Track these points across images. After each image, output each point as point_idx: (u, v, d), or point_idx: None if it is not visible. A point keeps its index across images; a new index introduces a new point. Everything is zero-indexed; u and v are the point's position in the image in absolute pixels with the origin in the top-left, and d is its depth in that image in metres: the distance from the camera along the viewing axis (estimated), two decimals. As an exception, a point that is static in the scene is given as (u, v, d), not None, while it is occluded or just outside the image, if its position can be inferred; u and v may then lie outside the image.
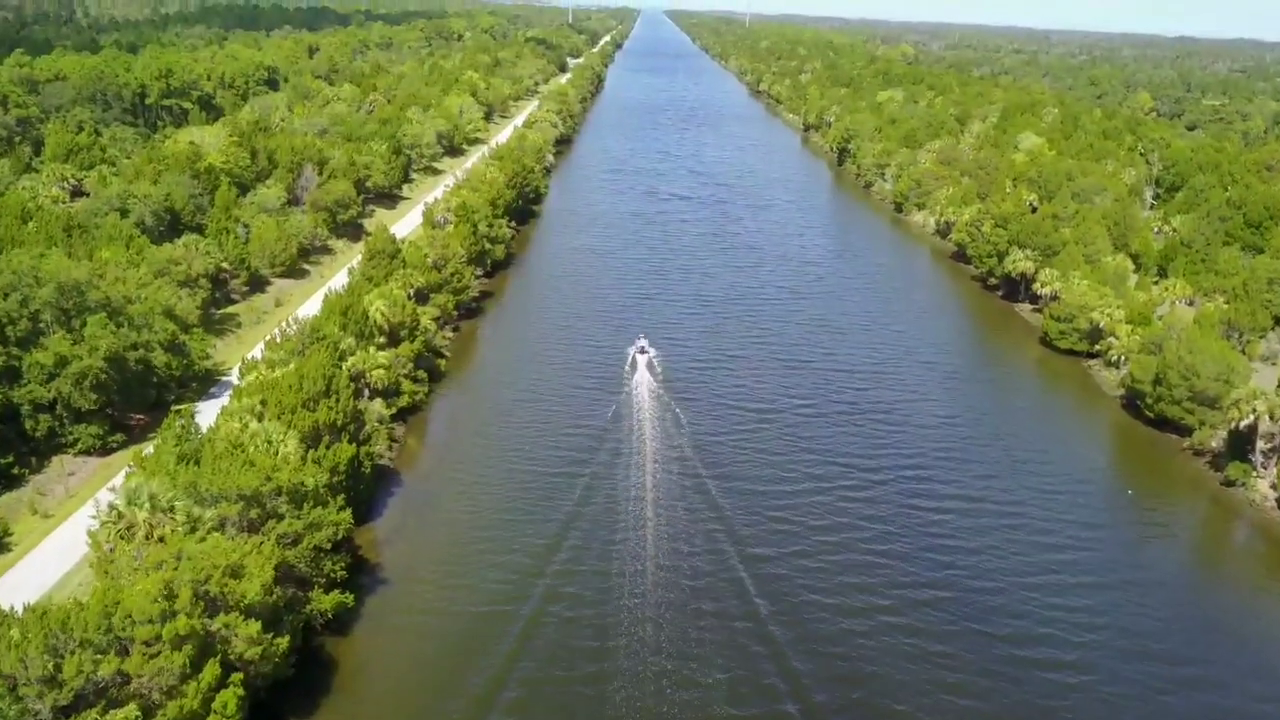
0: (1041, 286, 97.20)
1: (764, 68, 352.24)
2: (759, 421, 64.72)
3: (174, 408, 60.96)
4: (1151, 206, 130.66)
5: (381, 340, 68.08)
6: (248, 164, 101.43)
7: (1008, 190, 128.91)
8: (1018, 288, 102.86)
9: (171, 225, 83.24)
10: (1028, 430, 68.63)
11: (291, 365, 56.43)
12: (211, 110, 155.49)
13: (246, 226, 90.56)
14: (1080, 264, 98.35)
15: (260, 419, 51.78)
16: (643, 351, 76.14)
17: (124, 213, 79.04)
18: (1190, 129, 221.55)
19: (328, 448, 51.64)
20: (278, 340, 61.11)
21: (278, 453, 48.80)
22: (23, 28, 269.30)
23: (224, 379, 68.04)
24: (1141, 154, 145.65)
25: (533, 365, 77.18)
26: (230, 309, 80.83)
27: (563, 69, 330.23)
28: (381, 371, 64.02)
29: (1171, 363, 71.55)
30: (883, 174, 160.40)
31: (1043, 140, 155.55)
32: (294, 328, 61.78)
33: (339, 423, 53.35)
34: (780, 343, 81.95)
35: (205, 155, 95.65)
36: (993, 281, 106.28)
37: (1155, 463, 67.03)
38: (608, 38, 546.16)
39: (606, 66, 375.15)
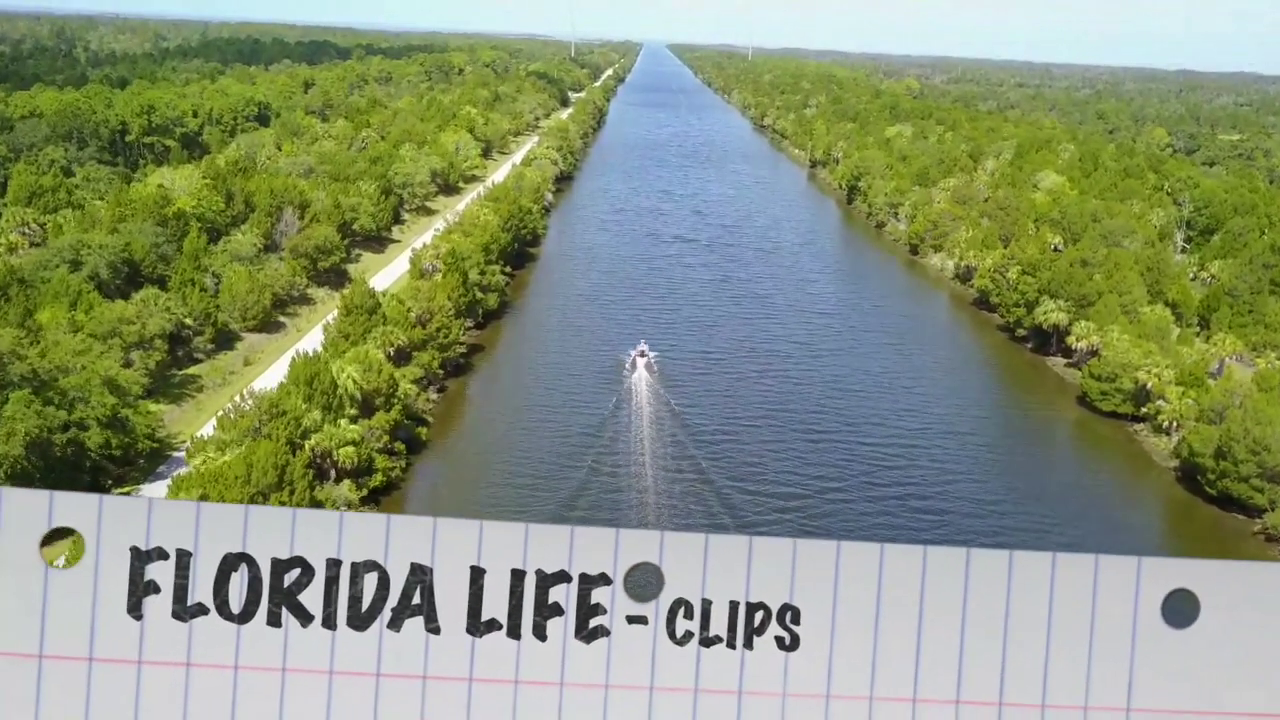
0: (1077, 340, 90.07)
1: (767, 102, 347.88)
2: (780, 511, 57.12)
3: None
4: (1183, 250, 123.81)
5: (353, 412, 60.80)
6: (222, 208, 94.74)
7: (1030, 232, 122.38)
8: (1049, 339, 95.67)
9: (131, 278, 76.31)
10: (1081, 515, 60.98)
11: (244, 447, 49.12)
12: (197, 148, 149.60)
13: (217, 277, 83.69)
14: (1118, 316, 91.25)
15: (199, 519, 44.36)
16: (642, 355, 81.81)
17: (76, 265, 72.16)
18: (1208, 165, 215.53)
19: (278, 552, 44.23)
20: (231, 417, 53.82)
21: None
22: (14, 62, 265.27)
23: (177, 454, 60.73)
24: (1168, 193, 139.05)
25: (526, 432, 69.77)
26: (192, 370, 73.60)
27: (564, 103, 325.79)
28: (351, 449, 56.73)
29: (1236, 435, 64.13)
30: (895, 213, 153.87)
31: (1063, 179, 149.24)
32: (249, 402, 54.52)
33: (293, 520, 45.90)
34: (798, 409, 74.48)
35: (175, 199, 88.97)
36: (1021, 332, 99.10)
37: (1223, 550, 59.38)
38: (610, 71, 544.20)
39: (608, 101, 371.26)
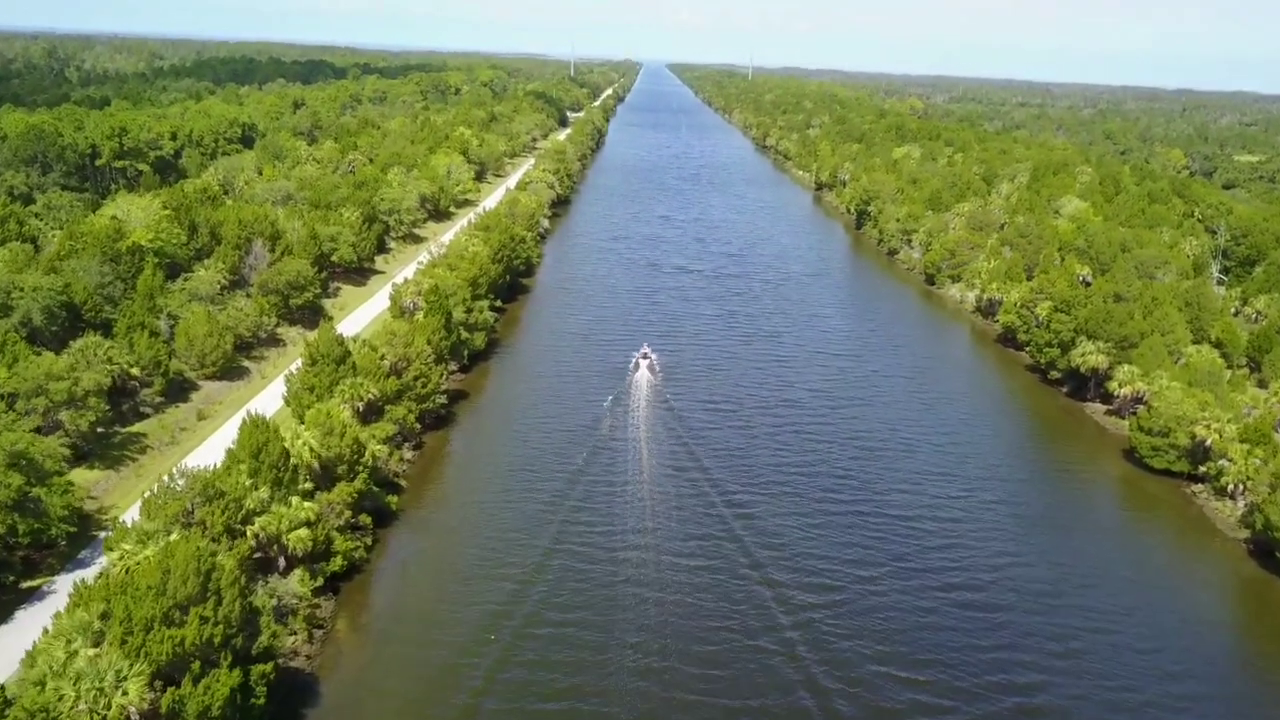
0: (1119, 386, 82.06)
1: (769, 122, 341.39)
2: (807, 608, 48.74)
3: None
4: (1220, 283, 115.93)
5: (308, 485, 52.69)
6: (183, 241, 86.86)
7: (1056, 262, 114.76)
8: (1086, 383, 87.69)
9: (70, 323, 68.29)
10: (1148, 607, 52.72)
11: (163, 544, 40.92)
12: (173, 172, 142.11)
13: (174, 318, 75.76)
14: (1165, 360, 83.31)
15: (99, 643, 36.26)
16: (645, 357, 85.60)
17: (7, 310, 64.17)
18: (1228, 188, 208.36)
19: (196, 682, 36.06)
20: (158, 500, 45.66)
21: (109, 708, 33.20)
22: (0, 81, 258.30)
23: (108, 531, 52.59)
24: (1200, 220, 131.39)
25: (510, 503, 61.53)
26: (136, 426, 65.47)
27: (563, 123, 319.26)
28: (304, 532, 48.56)
29: (1323, 507, 56.11)
30: (908, 240, 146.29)
31: (1086, 205, 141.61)
32: (181, 480, 46.37)
33: (219, 639, 37.74)
34: (819, 473, 66.10)
35: (129, 232, 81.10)
36: (1054, 375, 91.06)
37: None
38: (609, 91, 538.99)
39: (608, 121, 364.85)
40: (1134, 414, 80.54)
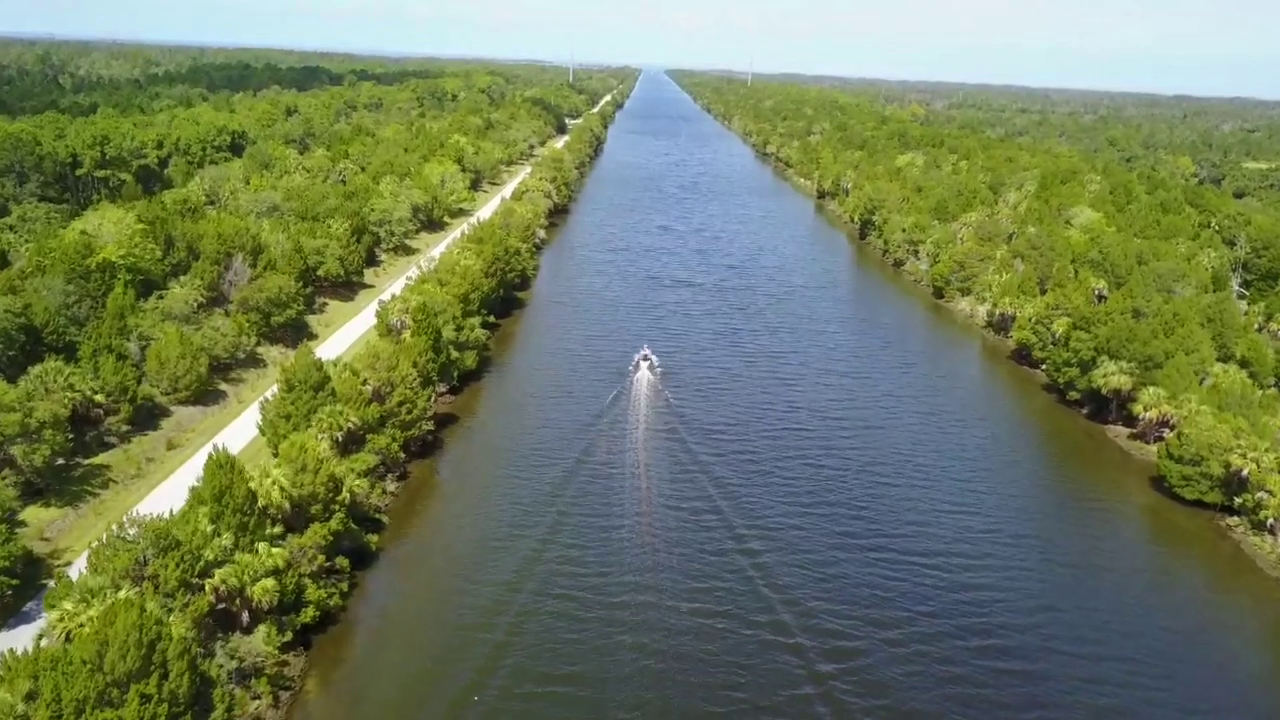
0: (1144, 409, 77.82)
1: (769, 129, 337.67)
2: (829, 679, 44.41)
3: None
4: (1241, 297, 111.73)
5: (276, 530, 48.35)
6: (158, 257, 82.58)
7: (1069, 275, 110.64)
8: (1107, 404, 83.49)
9: (30, 348, 63.95)
10: (1188, 656, 48.43)
11: (105, 608, 36.57)
12: (158, 182, 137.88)
13: (145, 339, 71.46)
14: (1192, 381, 79.13)
15: (23, 728, 31.89)
16: (645, 358, 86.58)
17: (-41, 334, 59.92)
18: (1238, 196, 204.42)
19: (135, 772, 31.71)
20: (106, 551, 41.32)
21: (28, 811, 28.84)
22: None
23: (61, 579, 48.22)
24: (1217, 231, 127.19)
25: (503, 534, 57.27)
26: (100, 458, 61.15)
27: (561, 130, 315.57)
28: (270, 583, 44.23)
29: (1378, 549, 51.87)
30: (915, 251, 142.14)
31: (1099, 215, 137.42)
32: (133, 530, 42.03)
33: (164, 718, 33.37)
34: (832, 510, 61.62)
35: (100, 248, 76.81)
36: (1073, 395, 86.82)
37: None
38: (608, 97, 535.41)
39: (606, 128, 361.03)
40: (1160, 438, 76.49)
